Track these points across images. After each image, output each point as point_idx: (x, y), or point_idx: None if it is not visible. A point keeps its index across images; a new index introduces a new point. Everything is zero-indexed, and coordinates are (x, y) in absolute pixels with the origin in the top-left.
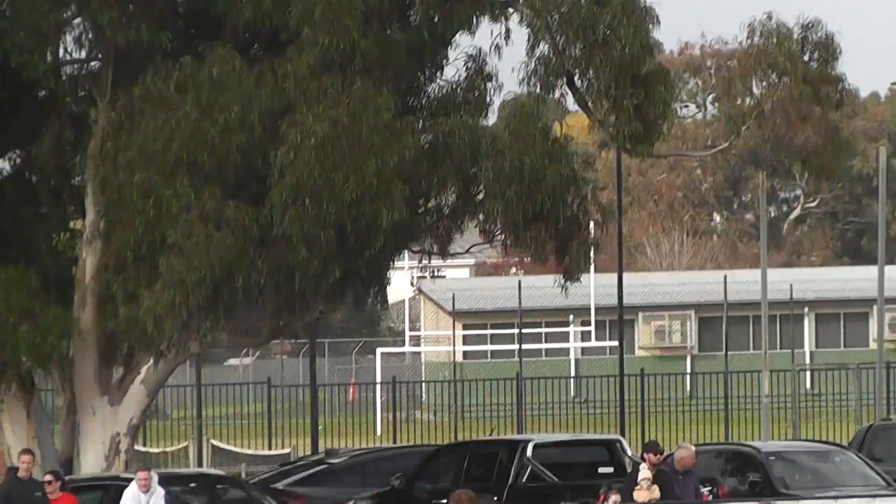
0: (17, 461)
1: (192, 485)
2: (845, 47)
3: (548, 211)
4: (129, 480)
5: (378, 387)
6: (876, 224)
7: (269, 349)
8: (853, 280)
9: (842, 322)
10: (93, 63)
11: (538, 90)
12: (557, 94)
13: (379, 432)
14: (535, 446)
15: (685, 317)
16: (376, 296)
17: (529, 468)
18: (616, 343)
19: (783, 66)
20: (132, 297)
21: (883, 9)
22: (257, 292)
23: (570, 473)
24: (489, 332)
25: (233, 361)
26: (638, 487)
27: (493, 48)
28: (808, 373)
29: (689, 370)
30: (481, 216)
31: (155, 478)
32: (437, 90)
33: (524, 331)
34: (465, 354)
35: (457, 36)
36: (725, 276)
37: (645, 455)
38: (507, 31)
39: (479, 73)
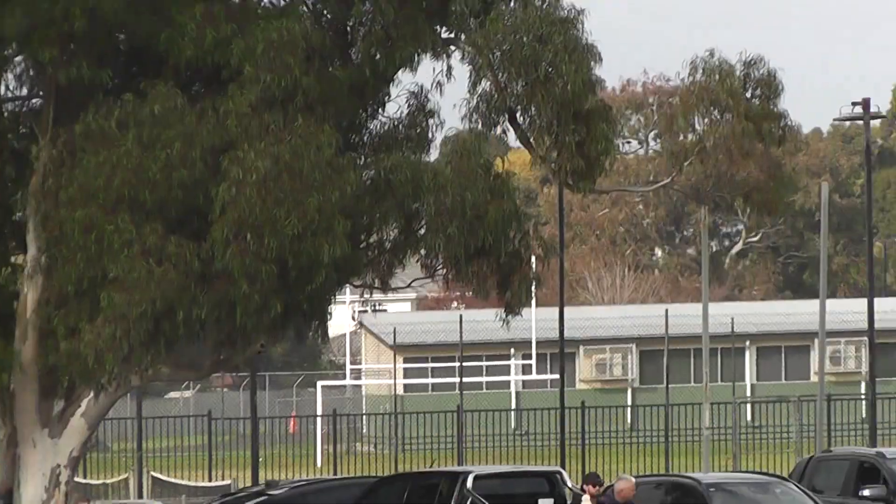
0: None
1: None
2: (787, 84)
3: (490, 246)
4: None
5: (319, 419)
6: (818, 258)
7: (209, 382)
8: (794, 314)
9: (783, 355)
10: (34, 100)
11: (480, 126)
12: (499, 131)
13: (319, 464)
14: (476, 478)
15: (626, 350)
16: (317, 330)
17: (470, 499)
18: (557, 376)
19: (725, 103)
20: (73, 332)
21: (825, 46)
22: (198, 326)
23: None
24: (430, 365)
25: (174, 394)
26: None
27: (434, 85)
28: (748, 405)
29: (630, 403)
30: (423, 251)
31: None
32: (378, 127)
33: (465, 364)
34: (406, 387)
35: (399, 73)
36: (667, 310)
37: (585, 487)
38: (449, 68)
39: (420, 109)
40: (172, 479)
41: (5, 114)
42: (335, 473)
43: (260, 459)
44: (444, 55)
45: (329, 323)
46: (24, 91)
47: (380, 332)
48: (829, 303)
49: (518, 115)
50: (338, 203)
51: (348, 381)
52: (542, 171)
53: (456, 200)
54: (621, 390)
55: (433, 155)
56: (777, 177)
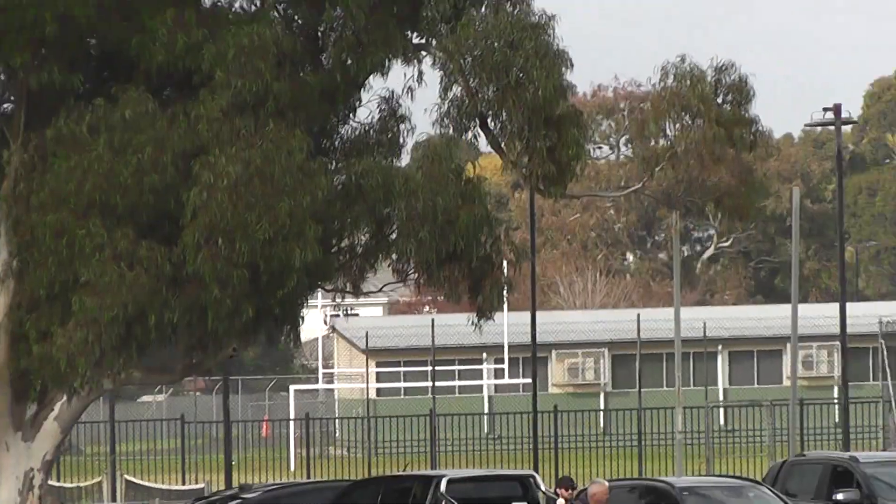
0: None
1: None
2: (759, 90)
3: (461, 251)
4: None
5: (291, 423)
6: (789, 263)
7: (182, 386)
8: (766, 318)
9: (755, 360)
10: (5, 105)
11: (451, 132)
12: (470, 136)
13: (293, 468)
14: (450, 481)
15: (598, 354)
16: (289, 334)
17: (443, 503)
18: (529, 380)
19: (696, 108)
20: (45, 335)
21: (795, 52)
22: (170, 330)
23: None
24: (402, 369)
25: (146, 398)
26: None
27: (405, 90)
28: (721, 409)
29: (602, 407)
30: (394, 256)
31: None
32: (350, 132)
33: (438, 368)
34: (379, 391)
35: (370, 78)
36: (639, 315)
37: (558, 490)
38: (420, 73)
39: (392, 115)
40: (146, 483)
41: None
42: (309, 477)
43: (233, 463)
44: (416, 60)
45: (301, 327)
46: None
47: (352, 336)
48: (801, 307)
49: (489, 120)
50: (309, 208)
51: (321, 385)
52: (513, 176)
53: (427, 205)
54: (594, 394)
55: (404, 160)
56: (748, 182)
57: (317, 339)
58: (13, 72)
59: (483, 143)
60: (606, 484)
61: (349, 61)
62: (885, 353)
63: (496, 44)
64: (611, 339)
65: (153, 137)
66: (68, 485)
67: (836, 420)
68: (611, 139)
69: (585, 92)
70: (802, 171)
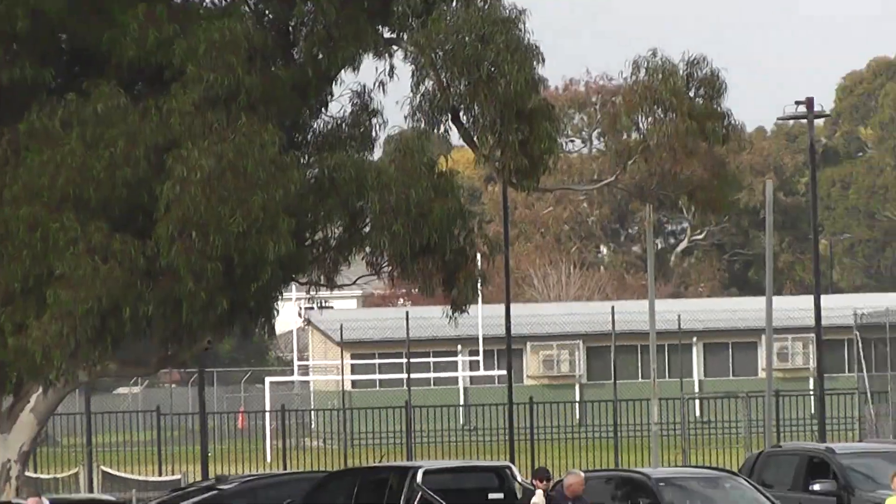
0: None
1: None
2: (731, 83)
3: (435, 244)
4: None
5: (267, 415)
6: (763, 256)
7: (158, 378)
8: (741, 310)
9: (730, 351)
10: None
11: (423, 125)
12: (442, 130)
13: (269, 459)
14: (426, 472)
15: (573, 346)
16: (264, 326)
17: (419, 494)
18: (504, 372)
19: (669, 102)
20: (20, 328)
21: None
22: (145, 323)
23: (460, 499)
24: (377, 361)
25: (122, 390)
26: None
27: (377, 85)
28: (697, 401)
29: (578, 398)
30: (368, 249)
31: (46, 503)
32: (322, 126)
33: (413, 360)
34: (354, 383)
35: (341, 73)
36: (613, 307)
37: (534, 482)
38: (392, 67)
39: (364, 109)
40: (122, 474)
41: None
42: (285, 468)
43: (209, 454)
44: (387, 55)
45: (275, 320)
46: None
47: (327, 328)
48: (776, 300)
49: (461, 114)
50: (282, 201)
51: (296, 377)
52: (485, 169)
53: (400, 198)
54: (569, 386)
55: (377, 154)
56: (721, 175)
57: (291, 331)
58: None
59: (455, 137)
60: (582, 475)
61: (320, 56)
62: (860, 344)
63: (467, 38)
64: (585, 331)
65: (125, 131)
66: (45, 476)
67: (812, 412)
68: (583, 133)
69: (557, 86)
70: (775, 164)
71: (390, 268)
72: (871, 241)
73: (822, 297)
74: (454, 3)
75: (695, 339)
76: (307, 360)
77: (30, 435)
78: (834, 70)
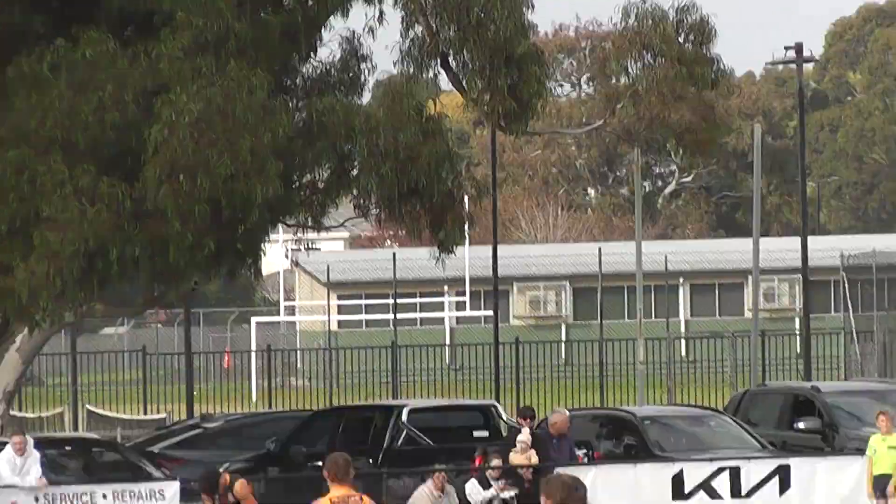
0: None
1: (68, 448)
2: (721, 29)
3: (422, 186)
4: (5, 444)
5: (253, 354)
6: (751, 198)
7: (144, 319)
8: (728, 252)
9: (717, 292)
10: None
11: (412, 70)
12: (431, 74)
13: (254, 398)
14: (411, 411)
15: (560, 287)
16: (250, 268)
17: (405, 432)
18: (491, 312)
19: (658, 48)
20: (7, 270)
21: None
22: (132, 264)
23: (445, 437)
24: (364, 302)
25: (108, 330)
26: (514, 450)
27: (366, 30)
28: (683, 341)
29: (564, 338)
30: (355, 191)
31: (31, 441)
32: (311, 71)
33: (399, 301)
34: (340, 324)
35: (330, 18)
36: (600, 248)
37: (519, 420)
38: (381, 13)
39: (353, 54)
40: (108, 413)
41: None
42: (270, 407)
43: (195, 394)
44: (377, 0)
45: (262, 261)
46: None
47: (314, 269)
48: (763, 241)
49: (450, 59)
50: (270, 144)
51: (282, 318)
52: (474, 113)
53: (388, 142)
54: (555, 326)
55: (366, 98)
56: (709, 119)
57: (278, 272)
58: None
59: (444, 82)
60: (567, 413)
61: (310, 1)
62: (846, 285)
63: None
64: (572, 272)
65: (114, 76)
66: (30, 415)
67: (798, 351)
68: (572, 77)
69: (547, 31)
70: (764, 108)
71: (378, 210)
72: (858, 183)
73: (809, 238)
74: None
75: (681, 279)
76: (294, 301)
77: (15, 375)
78: (824, 16)
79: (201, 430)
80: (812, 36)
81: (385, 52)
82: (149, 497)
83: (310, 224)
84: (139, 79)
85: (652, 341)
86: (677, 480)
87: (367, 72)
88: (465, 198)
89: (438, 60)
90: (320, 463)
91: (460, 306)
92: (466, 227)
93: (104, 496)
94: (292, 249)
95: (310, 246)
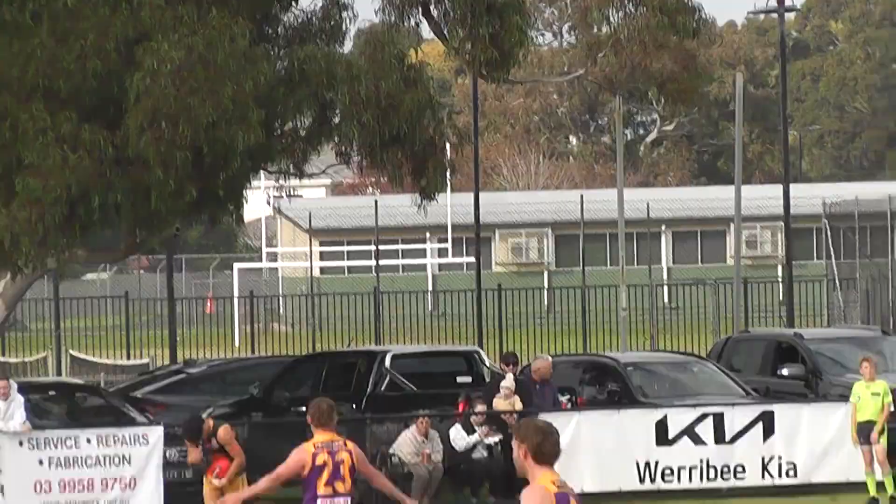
0: None
1: (52, 393)
2: None
3: (404, 134)
4: None
5: (235, 300)
6: (732, 146)
7: (126, 265)
8: (710, 199)
9: (699, 240)
10: None
11: (394, 19)
12: (413, 23)
13: (237, 344)
14: (394, 357)
15: (542, 234)
16: (232, 214)
17: (388, 378)
18: (473, 259)
19: None
20: None
21: None
22: (114, 211)
23: (428, 383)
24: (346, 248)
25: (91, 276)
26: (498, 396)
27: None
28: (665, 287)
29: (546, 285)
30: (337, 139)
31: (14, 386)
32: (292, 19)
33: (381, 248)
34: (323, 270)
35: None
36: (582, 195)
37: (502, 366)
38: None
39: (334, 2)
40: (91, 358)
41: None
42: (253, 353)
43: (178, 339)
44: None
45: (244, 208)
46: None
47: (295, 216)
48: (745, 189)
49: (432, 7)
50: (252, 92)
51: (265, 264)
52: (456, 62)
53: (370, 90)
54: (537, 273)
55: (347, 47)
56: (691, 68)
57: (260, 219)
58: None
59: (426, 30)
60: (549, 359)
61: None
62: (828, 233)
63: None
64: (554, 219)
65: (96, 24)
66: (13, 360)
67: (780, 299)
68: (554, 26)
69: None
70: (746, 57)
71: (359, 157)
72: (840, 132)
73: (791, 186)
74: None
75: (663, 227)
76: (276, 247)
77: None
78: None
79: (184, 376)
80: None
81: (366, 1)
82: (133, 442)
83: (291, 171)
84: (121, 27)
85: (634, 288)
86: (661, 426)
87: (348, 20)
88: (447, 145)
89: (420, 9)
90: (304, 408)
91: (442, 253)
92: (448, 174)
93: (88, 441)
94: (274, 196)
95: (291, 193)
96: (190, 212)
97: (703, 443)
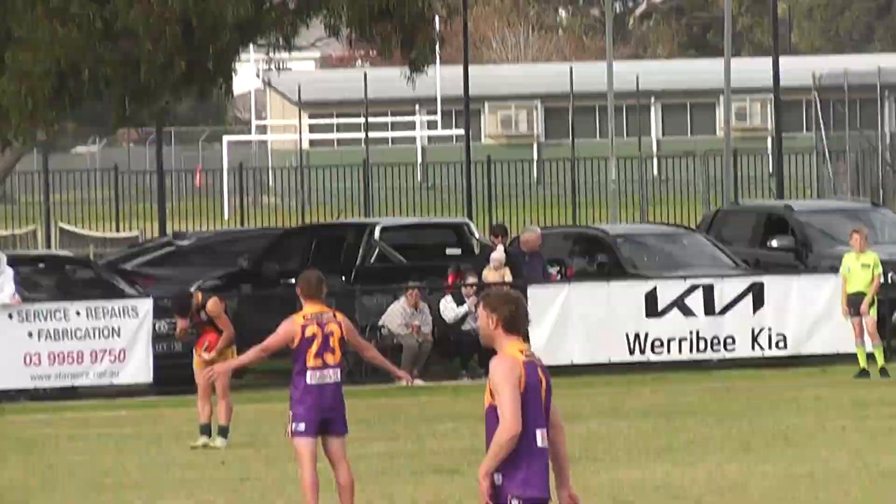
0: None
1: (42, 266)
2: None
3: (393, 7)
4: None
5: (225, 173)
6: (722, 18)
7: (115, 138)
8: (699, 72)
9: (688, 112)
10: None
11: None
12: None
13: (226, 216)
14: (383, 229)
15: (531, 106)
16: (221, 87)
17: (377, 250)
18: (462, 131)
19: None
20: None
21: None
22: (103, 84)
23: (418, 255)
24: (335, 121)
25: (80, 149)
26: (489, 267)
27: None
28: (655, 159)
29: (535, 158)
30: (325, 12)
31: (4, 259)
32: None
33: (371, 120)
34: (312, 143)
35: None
36: (571, 68)
37: (492, 238)
38: None
39: None
40: (80, 231)
41: None
42: (242, 225)
43: (167, 212)
44: None
45: (233, 81)
46: None
47: (285, 89)
48: (734, 61)
49: None
50: None
51: (254, 137)
52: None
53: None
54: (527, 146)
55: None
56: None
57: (249, 92)
58: None
59: None
60: (538, 231)
61: None
62: (818, 105)
63: None
64: (544, 91)
65: None
66: (3, 232)
67: (770, 171)
68: None
69: None
70: None
71: (349, 30)
72: (829, 4)
73: (781, 58)
74: None
75: (653, 99)
76: (265, 120)
77: None
78: None
79: (174, 248)
80: None
81: None
82: (122, 314)
83: (280, 44)
84: None
85: (624, 160)
86: (651, 298)
87: None
88: (436, 18)
89: None
90: (293, 280)
91: (432, 125)
92: (437, 46)
93: (77, 313)
94: (263, 69)
95: (281, 67)
96: (179, 85)
97: (693, 314)
